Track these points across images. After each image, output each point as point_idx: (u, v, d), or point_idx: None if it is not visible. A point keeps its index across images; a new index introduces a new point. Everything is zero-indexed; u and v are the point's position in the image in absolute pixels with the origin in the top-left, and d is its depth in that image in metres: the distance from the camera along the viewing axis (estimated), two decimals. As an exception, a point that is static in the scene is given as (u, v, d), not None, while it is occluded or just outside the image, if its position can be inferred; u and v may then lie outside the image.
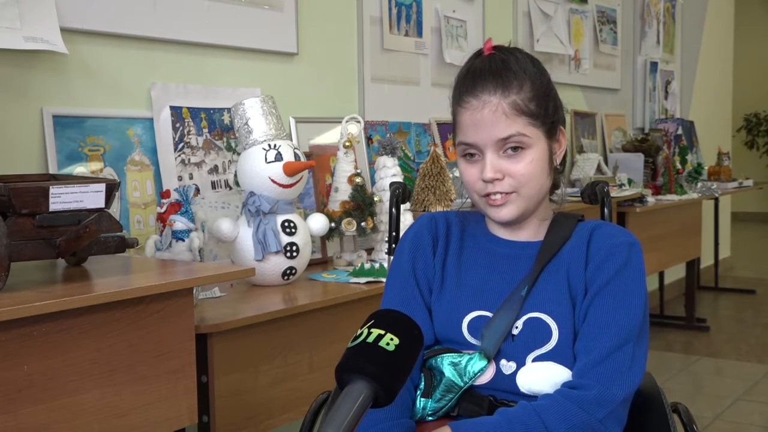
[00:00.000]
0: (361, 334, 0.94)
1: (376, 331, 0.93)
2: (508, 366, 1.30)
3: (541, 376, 1.29)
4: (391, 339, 0.92)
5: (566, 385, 1.26)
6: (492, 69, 1.32)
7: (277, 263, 2.12)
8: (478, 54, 1.37)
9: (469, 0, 3.63)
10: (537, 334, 1.30)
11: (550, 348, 1.29)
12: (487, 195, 1.33)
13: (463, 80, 1.34)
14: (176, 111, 2.32)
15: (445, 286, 1.39)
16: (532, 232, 1.40)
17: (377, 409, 1.29)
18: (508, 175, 1.31)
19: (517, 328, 1.31)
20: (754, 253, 8.03)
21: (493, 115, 1.29)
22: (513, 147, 1.31)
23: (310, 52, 2.80)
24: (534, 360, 1.30)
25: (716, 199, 5.68)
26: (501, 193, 1.32)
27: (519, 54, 1.35)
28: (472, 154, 1.34)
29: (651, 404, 1.41)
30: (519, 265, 1.37)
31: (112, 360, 1.45)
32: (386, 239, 2.41)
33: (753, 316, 5.36)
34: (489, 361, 1.30)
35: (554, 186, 1.42)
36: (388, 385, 0.90)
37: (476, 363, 1.30)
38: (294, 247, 2.13)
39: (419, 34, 3.31)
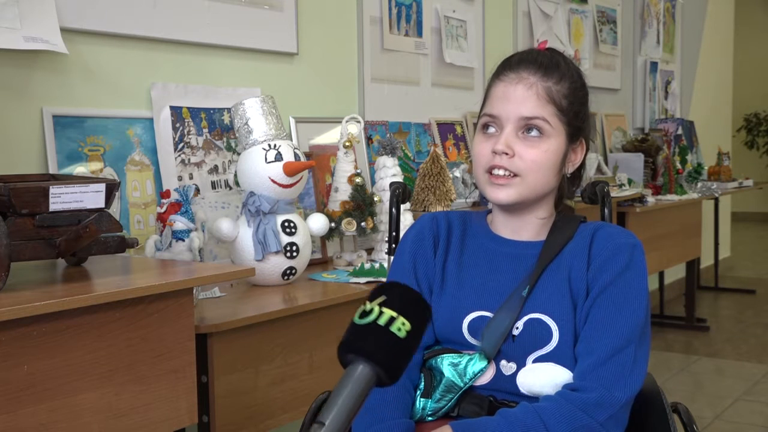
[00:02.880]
0: (371, 311, 0.88)
1: (388, 313, 0.87)
2: (508, 367, 1.30)
3: (541, 377, 1.28)
4: (403, 324, 0.87)
5: (567, 387, 1.26)
6: (540, 59, 1.36)
7: (277, 263, 2.12)
8: (530, 48, 1.41)
9: (469, 0, 3.63)
10: (537, 335, 1.30)
11: (551, 349, 1.29)
12: (492, 170, 1.33)
13: (509, 59, 1.38)
14: (176, 111, 2.32)
15: (445, 286, 1.38)
16: (534, 232, 1.40)
17: (377, 409, 1.30)
18: (518, 155, 1.32)
19: (517, 328, 1.31)
20: (754, 253, 8.02)
21: (526, 92, 1.32)
22: (532, 130, 1.31)
23: (310, 52, 2.80)
24: (534, 361, 1.29)
25: (716, 199, 5.68)
26: (506, 170, 1.32)
27: (569, 60, 1.40)
28: (490, 128, 1.35)
29: (651, 404, 1.41)
30: (520, 265, 1.37)
31: (112, 360, 1.45)
32: (386, 239, 2.41)
33: (753, 316, 5.36)
34: (489, 362, 1.30)
35: (560, 197, 1.42)
36: (393, 370, 0.86)
37: (476, 363, 1.30)
38: (294, 247, 2.13)
39: (419, 34, 3.30)
